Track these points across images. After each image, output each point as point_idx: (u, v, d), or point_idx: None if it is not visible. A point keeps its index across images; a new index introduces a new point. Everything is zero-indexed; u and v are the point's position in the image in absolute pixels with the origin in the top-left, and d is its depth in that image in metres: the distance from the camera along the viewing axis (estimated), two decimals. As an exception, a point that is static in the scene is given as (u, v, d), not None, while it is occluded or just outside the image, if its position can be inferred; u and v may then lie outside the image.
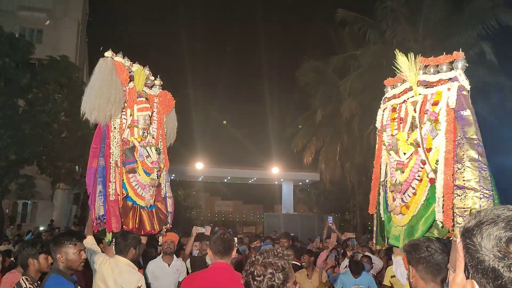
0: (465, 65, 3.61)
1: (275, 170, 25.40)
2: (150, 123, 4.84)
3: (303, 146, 22.52)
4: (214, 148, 31.35)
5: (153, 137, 4.88)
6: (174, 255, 5.74)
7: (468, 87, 3.51)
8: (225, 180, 30.01)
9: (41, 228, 18.01)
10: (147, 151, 4.63)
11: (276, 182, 29.11)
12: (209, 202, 36.76)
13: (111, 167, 4.22)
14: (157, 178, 4.70)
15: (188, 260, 6.13)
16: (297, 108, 25.52)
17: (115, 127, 4.39)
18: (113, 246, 4.07)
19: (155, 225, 4.62)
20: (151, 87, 5.04)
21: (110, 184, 4.16)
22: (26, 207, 22.39)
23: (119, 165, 4.29)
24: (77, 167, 18.35)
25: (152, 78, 5.04)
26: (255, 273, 2.05)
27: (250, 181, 29.85)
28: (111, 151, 4.28)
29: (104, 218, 4.05)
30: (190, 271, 5.71)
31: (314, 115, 21.44)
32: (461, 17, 17.47)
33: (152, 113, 4.86)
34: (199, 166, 24.41)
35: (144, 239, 4.72)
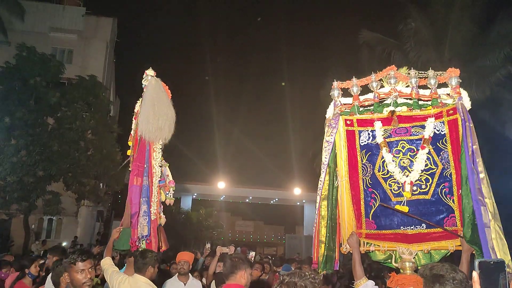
0: (339, 93, 4.13)
1: (297, 191, 25.21)
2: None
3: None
4: (236, 168, 31.43)
5: None
6: (189, 274, 5.72)
7: (328, 115, 4.21)
8: (247, 200, 29.92)
9: (64, 244, 18.24)
10: (167, 170, 4.71)
11: (298, 203, 28.84)
12: (230, 222, 36.60)
13: (154, 187, 4.27)
14: (171, 197, 4.75)
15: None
16: (320, 129, 25.36)
17: (156, 147, 4.43)
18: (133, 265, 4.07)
19: (166, 243, 4.65)
20: None
21: (152, 203, 4.21)
22: (51, 223, 22.77)
23: (157, 184, 4.34)
24: (101, 184, 18.63)
25: None
26: None
27: (271, 202, 29.68)
28: (154, 170, 4.29)
29: (148, 239, 4.06)
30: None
31: (337, 136, 21.24)
32: (488, 39, 17.21)
33: None
34: (221, 186, 24.44)
35: None
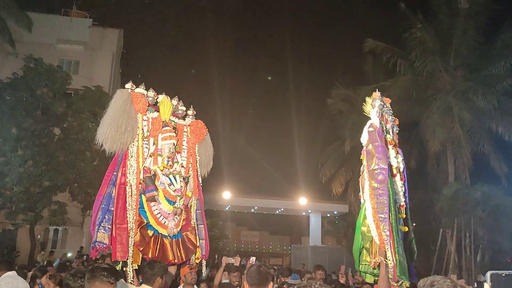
0: (381, 104, 4.24)
1: (302, 201, 25.05)
2: (177, 152, 4.87)
3: (331, 176, 22.21)
4: (241, 178, 31.28)
5: (182, 166, 4.88)
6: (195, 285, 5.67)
7: (376, 123, 4.09)
8: (252, 210, 29.78)
9: (69, 255, 18.21)
10: (170, 179, 4.64)
11: (304, 213, 28.65)
12: (235, 232, 36.43)
13: (128, 195, 4.30)
14: (180, 206, 4.69)
15: None
16: (326, 138, 25.32)
17: (131, 156, 4.46)
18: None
19: (179, 255, 4.58)
20: (183, 118, 5.11)
21: (127, 212, 4.25)
22: (57, 233, 22.76)
23: (135, 193, 4.35)
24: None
25: (183, 108, 5.11)
26: None
27: (277, 212, 29.51)
28: (127, 179, 4.33)
29: (103, 245, 4.11)
30: None
31: (343, 145, 21.14)
32: (493, 48, 17.20)
33: (177, 141, 4.90)
34: (226, 196, 24.36)
35: (173, 269, 4.68)
